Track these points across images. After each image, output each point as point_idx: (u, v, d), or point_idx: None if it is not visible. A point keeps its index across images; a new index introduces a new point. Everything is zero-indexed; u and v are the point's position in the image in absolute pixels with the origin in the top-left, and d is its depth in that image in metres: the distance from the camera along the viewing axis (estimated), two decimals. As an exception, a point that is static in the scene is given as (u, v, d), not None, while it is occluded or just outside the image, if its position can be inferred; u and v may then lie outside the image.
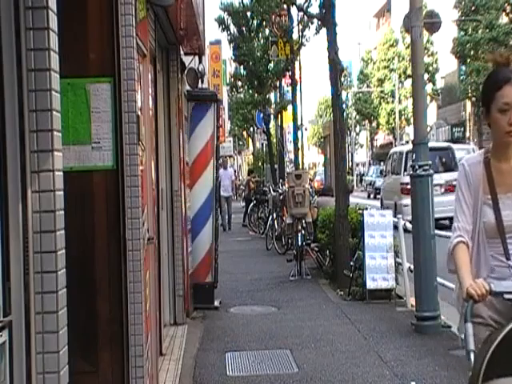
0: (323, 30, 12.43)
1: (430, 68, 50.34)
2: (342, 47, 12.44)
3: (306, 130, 51.93)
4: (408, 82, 52.71)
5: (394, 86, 56.85)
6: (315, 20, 18.23)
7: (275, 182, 23.93)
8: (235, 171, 39.88)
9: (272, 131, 35.51)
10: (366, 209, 11.03)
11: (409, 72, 47.03)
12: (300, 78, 25.69)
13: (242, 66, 28.08)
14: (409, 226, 9.16)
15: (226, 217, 23.24)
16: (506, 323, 3.04)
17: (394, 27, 59.76)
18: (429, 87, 49.09)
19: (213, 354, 7.53)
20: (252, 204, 22.33)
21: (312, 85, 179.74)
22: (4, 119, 2.78)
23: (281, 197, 17.17)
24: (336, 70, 11.61)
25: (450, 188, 18.31)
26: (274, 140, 31.07)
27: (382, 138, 68.13)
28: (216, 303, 10.12)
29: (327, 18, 11.74)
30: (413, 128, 9.08)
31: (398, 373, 6.60)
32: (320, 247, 12.76)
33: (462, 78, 41.56)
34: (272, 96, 30.40)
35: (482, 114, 3.47)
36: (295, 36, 22.67)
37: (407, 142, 54.35)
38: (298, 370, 6.83)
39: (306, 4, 19.62)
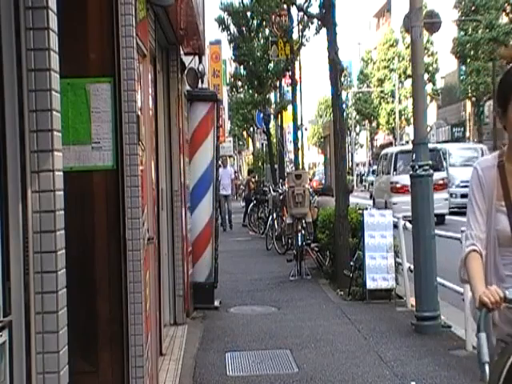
0: (323, 30, 12.45)
1: (430, 68, 50.33)
2: (342, 47, 12.45)
3: (305, 130, 51.93)
4: (408, 82, 52.72)
5: (394, 86, 56.86)
6: (315, 20, 18.24)
7: (275, 182, 23.92)
8: (235, 171, 39.87)
9: (272, 131, 35.51)
10: (366, 209, 11.03)
11: (409, 72, 47.03)
12: (300, 78, 25.70)
13: (242, 66, 28.08)
14: (409, 225, 9.15)
15: (226, 216, 23.22)
16: None
17: (394, 27, 59.77)
18: (429, 87, 49.09)
19: (213, 354, 7.53)
20: (252, 204, 22.33)
21: (312, 85, 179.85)
22: (4, 119, 2.78)
23: (281, 197, 17.17)
24: (336, 70, 11.61)
25: (437, 187, 18.33)
26: (274, 140, 31.08)
27: (381, 137, 68.13)
28: (216, 303, 10.12)
29: (327, 18, 11.75)
30: (413, 128, 9.08)
31: (398, 373, 6.60)
32: (320, 247, 12.76)
33: (462, 77, 41.56)
34: (272, 96, 30.42)
35: (497, 114, 3.24)
36: (295, 36, 22.70)
37: (407, 142, 54.36)
38: (298, 370, 6.83)
39: (306, 4, 19.63)
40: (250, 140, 51.16)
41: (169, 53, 8.75)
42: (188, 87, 10.03)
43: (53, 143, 2.87)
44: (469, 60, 39.67)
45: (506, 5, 36.46)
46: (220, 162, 22.34)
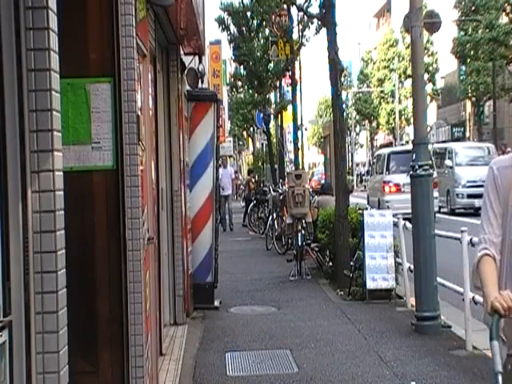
0: (323, 30, 12.45)
1: (430, 68, 50.31)
2: (342, 47, 12.43)
3: (306, 129, 51.91)
4: (408, 82, 52.70)
5: (394, 86, 56.85)
6: (315, 20, 18.23)
7: (275, 182, 23.92)
8: (236, 171, 39.86)
9: (272, 131, 35.50)
10: (366, 209, 11.04)
11: (409, 72, 47.03)
12: (300, 77, 25.69)
13: (242, 66, 28.07)
14: (409, 225, 9.15)
15: (227, 216, 23.19)
16: None
17: (394, 27, 59.76)
18: (429, 87, 49.07)
19: (213, 354, 7.53)
20: (252, 204, 22.32)
21: (312, 85, 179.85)
22: (4, 119, 2.78)
23: (281, 197, 17.17)
24: (336, 70, 11.61)
25: None
26: (274, 140, 31.07)
27: (381, 137, 68.12)
28: (216, 303, 10.12)
29: (327, 18, 11.75)
30: (413, 128, 9.08)
31: (398, 373, 6.60)
32: (320, 247, 12.76)
33: (462, 77, 41.56)
34: (272, 96, 30.41)
35: None
36: (295, 36, 22.68)
37: (407, 142, 54.37)
38: (298, 370, 6.83)
39: (306, 4, 19.61)
40: (250, 140, 51.15)
41: (169, 53, 8.75)
42: (188, 87, 10.03)
43: (53, 143, 2.87)
44: (469, 60, 39.66)
45: (506, 5, 36.45)
46: (220, 162, 22.34)
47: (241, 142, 57.44)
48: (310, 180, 31.71)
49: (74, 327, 3.36)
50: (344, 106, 16.97)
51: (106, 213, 4.59)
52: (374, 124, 63.56)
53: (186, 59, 9.95)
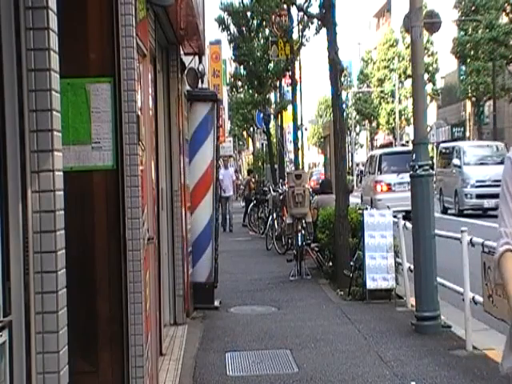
0: (323, 30, 12.44)
1: (430, 68, 50.32)
2: (342, 47, 12.42)
3: (306, 129, 51.92)
4: (408, 82, 52.71)
5: (394, 86, 56.85)
6: (315, 20, 18.23)
7: (275, 182, 23.92)
8: (236, 171, 39.86)
9: (272, 131, 35.50)
10: (366, 209, 11.03)
11: (409, 72, 47.04)
12: (300, 77, 25.71)
13: (242, 66, 28.07)
14: (409, 225, 9.16)
15: (227, 216, 23.19)
16: None
17: (394, 27, 59.76)
18: (429, 87, 49.07)
19: (213, 354, 7.53)
20: (252, 204, 22.32)
21: (312, 85, 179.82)
22: (4, 119, 2.78)
23: (281, 197, 17.16)
24: (336, 70, 11.61)
25: None
26: (274, 140, 31.07)
27: (381, 138, 68.11)
28: (216, 303, 10.12)
29: (327, 18, 11.74)
30: (413, 128, 9.08)
31: (398, 373, 6.60)
32: (320, 247, 12.75)
33: (462, 77, 41.55)
34: (272, 96, 30.41)
35: None
36: (295, 36, 22.69)
37: (407, 142, 54.35)
38: (298, 370, 6.83)
39: (306, 4, 19.61)
40: (250, 140, 51.15)
41: (169, 53, 8.75)
42: (188, 87, 10.03)
43: (53, 143, 2.87)
44: (469, 60, 39.65)
45: (506, 5, 36.45)
46: (221, 162, 22.34)
47: (241, 142, 57.44)
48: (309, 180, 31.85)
49: (74, 327, 3.36)
50: (344, 106, 16.97)
51: (106, 213, 4.59)
52: (374, 124, 63.56)
53: (186, 59, 9.95)
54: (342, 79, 12.70)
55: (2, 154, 2.76)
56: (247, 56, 25.64)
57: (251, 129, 43.09)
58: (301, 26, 21.93)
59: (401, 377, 6.48)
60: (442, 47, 47.94)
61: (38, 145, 2.85)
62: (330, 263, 12.17)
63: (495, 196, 22.75)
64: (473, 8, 38.26)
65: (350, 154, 58.50)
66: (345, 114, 15.55)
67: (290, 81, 24.76)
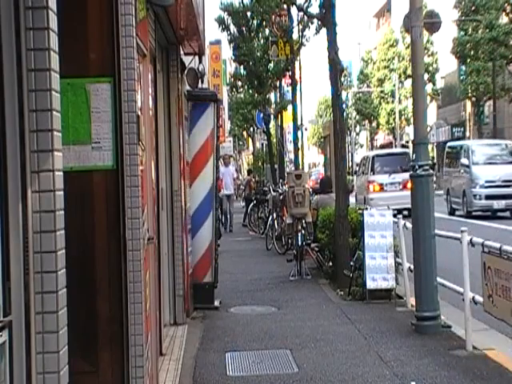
0: (323, 30, 12.44)
1: (430, 68, 50.32)
2: (342, 47, 12.41)
3: (306, 129, 51.92)
4: (408, 82, 52.71)
5: (394, 86, 56.85)
6: (315, 20, 18.23)
7: (275, 182, 23.92)
8: (236, 169, 39.85)
9: (272, 131, 35.50)
10: (366, 209, 11.03)
11: (409, 72, 47.04)
12: (300, 77, 25.71)
13: (242, 66, 28.06)
14: (409, 225, 9.16)
15: (228, 216, 23.16)
16: None
17: (394, 27, 59.75)
18: (429, 87, 49.07)
19: (213, 354, 7.53)
20: (252, 204, 22.31)
21: (312, 85, 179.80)
22: (4, 119, 2.78)
23: (281, 197, 17.15)
24: (336, 70, 11.61)
25: (405, 185, 22.58)
26: (274, 140, 31.07)
27: (381, 137, 68.11)
28: (216, 303, 10.12)
29: (327, 18, 11.74)
30: (413, 128, 9.08)
31: (398, 373, 6.60)
32: (320, 247, 12.75)
33: (462, 77, 41.55)
34: (272, 96, 30.40)
35: None
36: (295, 36, 22.68)
37: (407, 142, 54.34)
38: (298, 370, 6.83)
39: (306, 4, 19.60)
40: (250, 140, 51.14)
41: (169, 53, 8.75)
42: (188, 87, 10.03)
43: (53, 143, 2.87)
44: (469, 60, 39.65)
45: (506, 5, 36.45)
46: (221, 160, 22.32)
47: (241, 142, 57.43)
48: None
49: (74, 327, 3.36)
50: (344, 105, 16.96)
51: (106, 213, 4.59)
52: (374, 124, 63.55)
53: (186, 59, 9.95)
54: (342, 79, 12.70)
55: (2, 154, 2.76)
56: (247, 56, 25.64)
57: (251, 129, 43.09)
58: (301, 26, 21.93)
59: (401, 377, 6.48)
60: (442, 47, 47.94)
61: (38, 145, 2.85)
62: (330, 263, 12.16)
63: (505, 197, 22.34)
64: (473, 8, 38.27)
65: (350, 154, 58.49)
66: (345, 114, 15.54)
67: (289, 81, 24.76)
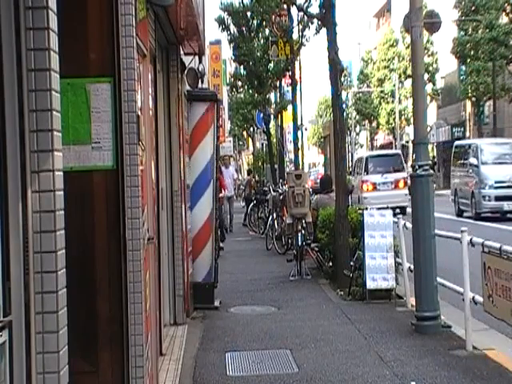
0: (323, 30, 12.44)
1: (430, 68, 50.30)
2: (342, 47, 12.42)
3: (306, 129, 51.90)
4: (408, 82, 52.69)
5: (394, 86, 56.84)
6: (315, 20, 18.22)
7: (275, 182, 23.91)
8: (236, 170, 39.84)
9: (272, 131, 35.50)
10: (366, 209, 11.02)
11: (409, 72, 47.03)
12: (300, 77, 25.70)
13: (242, 66, 28.06)
14: (409, 225, 9.16)
15: (228, 216, 23.12)
16: None
17: (394, 27, 59.73)
18: (429, 87, 49.06)
19: (213, 354, 7.53)
20: (252, 204, 22.30)
21: (312, 85, 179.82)
22: (4, 119, 2.78)
23: (281, 197, 17.15)
24: (336, 70, 11.61)
25: (397, 184, 25.98)
26: (274, 140, 31.07)
27: (381, 137, 68.10)
28: (216, 303, 10.12)
29: (327, 18, 11.74)
30: (413, 128, 9.08)
31: (398, 373, 6.60)
32: (320, 247, 12.75)
33: (462, 77, 41.54)
34: (272, 96, 30.39)
35: None
36: (295, 36, 22.67)
37: (407, 142, 54.32)
38: (298, 370, 6.83)
39: (306, 4, 19.62)
40: (250, 140, 51.12)
41: (169, 53, 8.75)
42: (188, 87, 10.03)
43: (53, 143, 2.87)
44: (469, 60, 39.63)
45: (506, 5, 36.45)
46: (221, 162, 22.28)
47: (241, 142, 57.40)
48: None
49: (74, 327, 3.36)
50: (344, 105, 16.97)
51: (106, 213, 4.59)
52: (374, 124, 63.53)
53: (186, 59, 9.95)
54: (342, 79, 12.70)
55: (2, 154, 2.77)
56: (247, 56, 25.64)
57: (251, 129, 43.07)
58: (301, 26, 21.92)
59: (401, 377, 6.48)
60: (442, 47, 47.93)
61: (38, 145, 2.85)
62: (330, 263, 12.16)
63: None
64: (473, 8, 38.26)
65: (350, 154, 58.46)
66: (345, 113, 15.53)
67: (289, 81, 24.75)
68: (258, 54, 26.03)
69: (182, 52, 9.32)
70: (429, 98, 47.62)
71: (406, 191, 24.76)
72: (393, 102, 57.75)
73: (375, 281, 9.91)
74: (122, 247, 4.57)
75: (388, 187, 26.03)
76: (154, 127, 7.06)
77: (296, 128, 24.06)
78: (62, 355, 2.89)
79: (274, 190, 19.03)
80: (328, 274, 12.14)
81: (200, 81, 10.20)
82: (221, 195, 18.31)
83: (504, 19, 37.89)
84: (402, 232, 9.83)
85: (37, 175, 2.86)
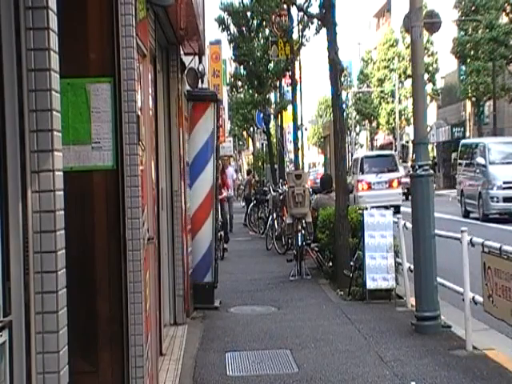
0: (323, 30, 12.44)
1: (430, 68, 50.31)
2: (342, 47, 12.42)
3: (306, 129, 51.91)
4: (408, 82, 52.70)
5: (394, 86, 56.84)
6: (315, 20, 18.22)
7: (275, 181, 23.91)
8: (236, 170, 39.82)
9: (272, 131, 35.49)
10: (366, 209, 11.02)
11: (409, 72, 47.04)
12: (300, 77, 25.70)
13: (242, 66, 28.06)
14: (409, 225, 9.16)
15: (228, 217, 23.07)
16: None
17: (394, 27, 59.74)
18: (429, 87, 49.06)
19: (213, 354, 7.53)
20: (252, 204, 22.30)
21: (312, 85, 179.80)
22: (4, 119, 2.78)
23: (281, 197, 17.15)
24: (336, 69, 11.61)
25: (391, 184, 26.94)
26: (274, 140, 31.07)
27: (381, 137, 68.11)
28: (216, 303, 10.12)
29: (327, 18, 11.75)
30: (413, 128, 9.07)
31: (398, 373, 6.60)
32: (320, 247, 12.75)
33: (462, 77, 41.54)
34: (272, 96, 30.39)
35: None
36: (295, 36, 22.67)
37: (407, 142, 54.31)
38: (298, 370, 6.83)
39: (306, 4, 19.62)
40: (250, 140, 51.11)
41: (169, 53, 8.75)
42: (188, 87, 10.03)
43: (53, 143, 2.87)
44: (469, 60, 39.62)
45: (506, 5, 36.44)
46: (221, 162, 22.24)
47: (241, 142, 57.40)
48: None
49: (74, 327, 3.36)
50: (344, 105, 16.97)
51: (106, 213, 4.59)
52: (374, 124, 63.55)
53: (186, 59, 9.95)
54: (342, 79, 12.70)
55: (2, 154, 2.76)
56: (247, 56, 25.63)
57: (251, 129, 43.05)
58: (301, 26, 21.92)
59: (401, 377, 6.48)
60: (442, 47, 47.93)
61: (38, 145, 2.85)
62: (330, 263, 12.16)
63: None
64: (473, 8, 38.25)
65: (349, 154, 58.44)
66: (345, 113, 15.52)
67: (289, 81, 24.74)
68: (258, 54, 26.03)
69: (182, 52, 9.32)
70: (429, 97, 47.63)
71: (400, 190, 27.13)
72: (393, 101, 57.76)
73: (375, 281, 9.91)
74: (122, 247, 4.57)
75: (382, 186, 26.90)
76: (154, 127, 7.05)
77: (296, 128, 24.06)
78: (61, 355, 2.89)
79: (273, 190, 19.03)
80: (328, 273, 12.14)
81: (200, 81, 10.20)
82: (224, 195, 18.25)
83: (504, 19, 37.89)
84: (402, 232, 9.82)
85: (37, 175, 2.86)
